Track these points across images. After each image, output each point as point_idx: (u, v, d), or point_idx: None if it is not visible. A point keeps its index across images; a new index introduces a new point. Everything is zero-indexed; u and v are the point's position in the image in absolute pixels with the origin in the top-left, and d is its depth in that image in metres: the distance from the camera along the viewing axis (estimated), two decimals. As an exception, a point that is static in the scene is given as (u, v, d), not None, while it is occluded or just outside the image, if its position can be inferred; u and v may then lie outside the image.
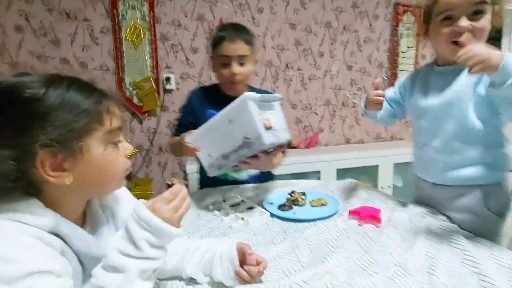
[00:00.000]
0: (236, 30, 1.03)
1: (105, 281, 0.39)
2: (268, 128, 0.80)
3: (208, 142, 0.87)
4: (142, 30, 1.86)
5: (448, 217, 0.81)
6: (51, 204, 0.43)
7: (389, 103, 1.00)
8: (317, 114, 2.30)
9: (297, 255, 0.65)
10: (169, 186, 0.48)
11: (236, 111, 0.80)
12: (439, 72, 0.83)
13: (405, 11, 2.31)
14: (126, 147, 0.50)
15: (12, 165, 0.38)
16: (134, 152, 1.95)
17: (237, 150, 0.82)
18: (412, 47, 2.37)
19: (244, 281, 0.55)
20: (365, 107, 0.95)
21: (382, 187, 2.06)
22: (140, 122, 1.96)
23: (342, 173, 1.92)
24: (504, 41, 2.56)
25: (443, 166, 0.81)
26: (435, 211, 0.83)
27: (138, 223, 0.42)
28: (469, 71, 0.59)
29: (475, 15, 0.70)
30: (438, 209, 0.85)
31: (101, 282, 0.39)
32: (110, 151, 0.46)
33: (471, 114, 0.75)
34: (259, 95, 0.80)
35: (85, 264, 0.46)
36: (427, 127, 0.85)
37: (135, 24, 1.84)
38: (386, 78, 2.41)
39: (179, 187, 0.46)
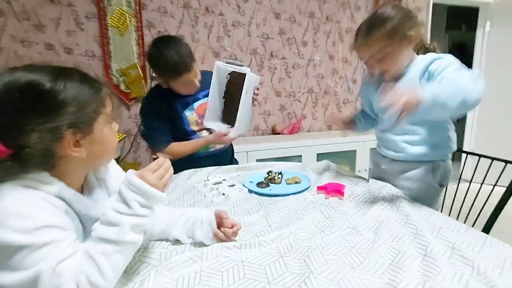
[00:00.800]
0: (183, 55, 1.10)
1: (104, 233, 0.48)
2: None
3: (244, 119, 1.19)
4: (128, 17, 1.87)
5: (398, 186, 0.96)
6: (57, 176, 0.51)
7: (366, 111, 1.12)
8: (300, 101, 2.40)
9: (268, 221, 0.76)
10: (154, 159, 0.58)
11: (250, 83, 1.14)
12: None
13: (385, 2, 2.40)
14: (115, 125, 0.60)
15: (48, 145, 0.47)
16: (122, 137, 2.00)
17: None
18: (391, 38, 2.48)
19: (221, 241, 0.65)
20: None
21: (359, 170, 2.21)
22: (128, 108, 2.01)
23: (322, 158, 2.03)
24: (478, 33, 2.70)
25: (400, 144, 0.95)
26: (390, 185, 0.96)
27: (129, 188, 0.50)
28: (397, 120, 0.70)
29: (380, 60, 0.88)
30: (392, 180, 0.99)
31: (100, 234, 0.48)
32: (110, 129, 0.56)
33: None
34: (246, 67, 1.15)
35: (85, 224, 0.55)
36: (389, 118, 0.96)
37: (120, 10, 1.86)
38: (365, 67, 2.52)
39: (163, 159, 0.55)
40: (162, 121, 1.21)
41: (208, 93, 1.21)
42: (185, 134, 1.25)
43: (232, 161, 1.45)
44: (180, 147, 1.22)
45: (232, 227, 0.66)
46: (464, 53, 3.63)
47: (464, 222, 0.76)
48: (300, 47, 2.31)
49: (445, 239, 0.64)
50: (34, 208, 0.46)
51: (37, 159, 0.48)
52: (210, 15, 2.05)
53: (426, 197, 0.91)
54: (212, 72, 1.19)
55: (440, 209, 1.01)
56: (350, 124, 1.11)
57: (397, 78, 0.91)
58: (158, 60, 1.12)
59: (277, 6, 2.19)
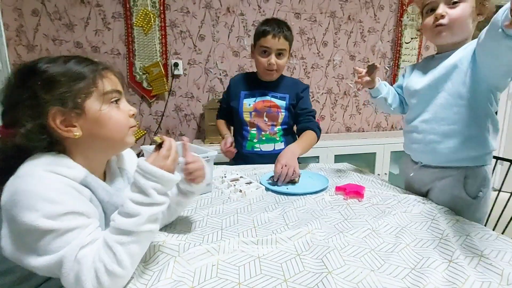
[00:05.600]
0: (279, 27, 1.19)
1: (121, 223, 0.48)
2: None
3: None
4: (153, 17, 1.93)
5: (427, 197, 0.89)
6: (78, 161, 0.53)
7: (397, 92, 1.04)
8: (319, 102, 2.37)
9: (285, 220, 0.75)
10: (156, 142, 0.56)
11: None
12: (437, 57, 0.86)
13: (410, 2, 2.32)
14: (129, 108, 0.59)
15: (32, 122, 0.49)
16: (142, 134, 2.06)
17: None
18: (415, 38, 2.39)
19: (191, 176, 0.65)
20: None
21: (378, 174, 2.14)
22: (149, 105, 2.06)
23: (340, 159, 2.01)
24: None
25: (429, 137, 0.85)
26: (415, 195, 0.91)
27: (144, 176, 0.51)
28: None
29: (453, 4, 0.78)
30: (420, 190, 0.93)
31: (117, 225, 0.49)
32: (108, 109, 0.55)
33: (464, 85, 0.78)
34: None
35: (107, 212, 0.56)
36: (417, 103, 0.89)
37: (145, 11, 1.92)
38: (388, 68, 2.45)
39: (168, 142, 0.56)
40: (227, 100, 1.36)
41: (279, 96, 1.28)
42: (239, 121, 1.32)
43: None
44: (219, 126, 1.41)
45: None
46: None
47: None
48: (320, 47, 2.28)
49: (473, 246, 0.61)
50: (62, 194, 0.47)
51: (37, 138, 0.50)
52: (231, 15, 2.07)
53: (456, 210, 0.81)
54: (293, 80, 1.34)
55: (484, 222, 0.88)
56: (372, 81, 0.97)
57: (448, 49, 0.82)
58: (261, 22, 1.25)
59: (298, 6, 2.18)
